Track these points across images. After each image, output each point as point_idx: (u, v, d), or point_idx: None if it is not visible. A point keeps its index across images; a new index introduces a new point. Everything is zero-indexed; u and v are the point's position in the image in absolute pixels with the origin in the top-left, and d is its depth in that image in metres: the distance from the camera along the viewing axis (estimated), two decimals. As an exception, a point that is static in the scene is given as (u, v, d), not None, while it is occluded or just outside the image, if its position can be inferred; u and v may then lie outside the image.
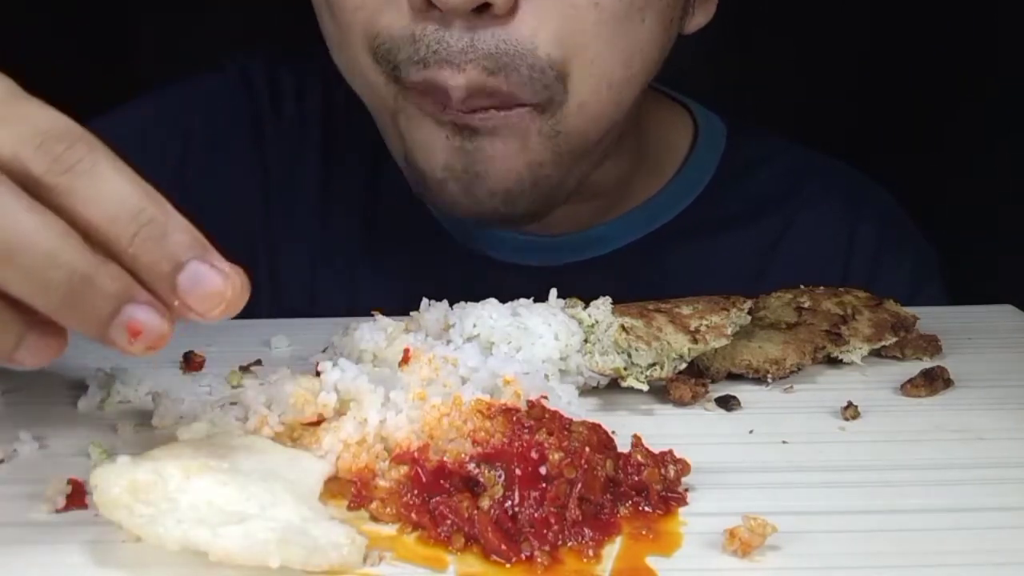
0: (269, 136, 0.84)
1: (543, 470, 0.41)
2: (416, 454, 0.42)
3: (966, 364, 0.58)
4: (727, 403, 0.54)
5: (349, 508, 0.42)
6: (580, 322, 0.55)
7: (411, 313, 0.58)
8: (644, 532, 0.40)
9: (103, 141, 0.38)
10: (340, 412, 0.46)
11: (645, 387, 0.52)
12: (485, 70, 0.56)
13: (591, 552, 0.39)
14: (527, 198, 0.64)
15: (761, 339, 0.58)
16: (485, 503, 0.39)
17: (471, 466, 0.41)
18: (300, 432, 0.46)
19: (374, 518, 0.41)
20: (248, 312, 0.39)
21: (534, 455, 0.41)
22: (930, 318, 0.65)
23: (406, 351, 0.51)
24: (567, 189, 0.66)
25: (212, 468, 0.38)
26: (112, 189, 0.36)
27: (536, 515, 0.39)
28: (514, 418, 0.43)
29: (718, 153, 0.84)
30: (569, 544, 0.39)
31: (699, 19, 0.70)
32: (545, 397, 0.47)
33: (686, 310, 0.56)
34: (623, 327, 0.53)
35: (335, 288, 0.81)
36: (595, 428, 0.44)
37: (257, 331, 0.65)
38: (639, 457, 0.43)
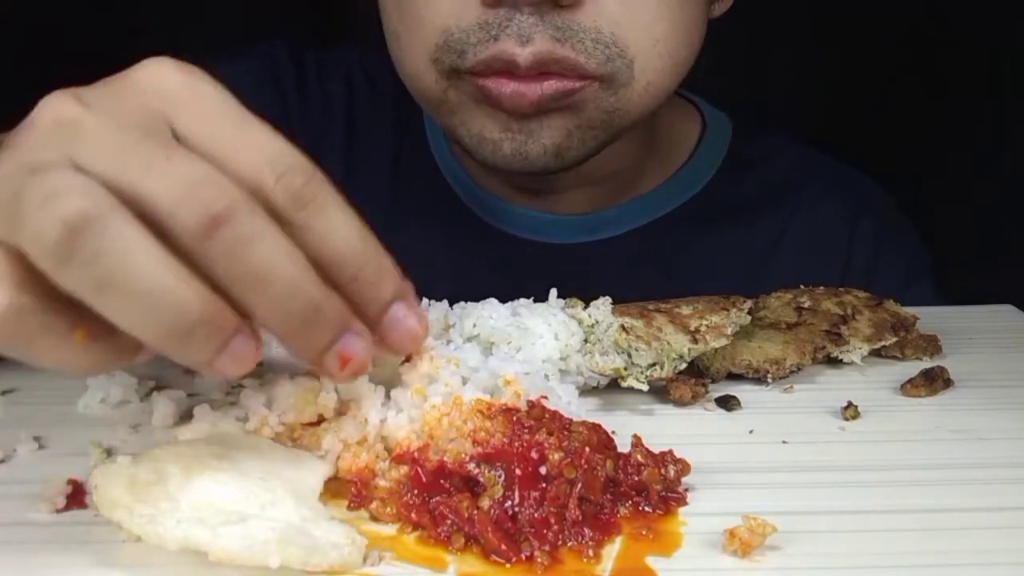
0: (295, 116, 0.85)
1: (543, 470, 0.41)
2: (416, 454, 0.42)
3: (966, 364, 0.58)
4: (727, 403, 0.54)
5: (349, 508, 0.42)
6: (580, 322, 0.55)
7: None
8: (644, 532, 0.40)
9: None
10: (340, 412, 0.46)
11: (645, 387, 0.52)
12: (552, 39, 0.60)
13: (591, 552, 0.39)
14: (575, 152, 0.67)
15: (761, 339, 0.58)
16: (485, 503, 0.39)
17: (471, 466, 0.41)
18: (300, 432, 0.46)
19: (374, 518, 0.41)
20: None
21: (534, 455, 0.41)
22: (930, 318, 0.65)
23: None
24: (606, 146, 0.70)
25: (212, 468, 0.38)
26: (340, 228, 0.38)
27: (536, 515, 0.39)
28: (514, 418, 0.43)
29: (724, 148, 0.86)
30: (569, 544, 0.39)
31: (725, 4, 0.73)
32: (545, 397, 0.47)
33: (686, 310, 0.56)
34: (623, 327, 0.53)
35: None
36: (595, 428, 0.44)
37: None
38: (639, 457, 0.43)
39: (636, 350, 0.53)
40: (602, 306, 0.55)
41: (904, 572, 0.37)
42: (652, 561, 0.38)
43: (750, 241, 0.84)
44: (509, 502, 0.40)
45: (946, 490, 0.44)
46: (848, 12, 1.46)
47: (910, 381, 0.55)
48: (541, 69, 0.61)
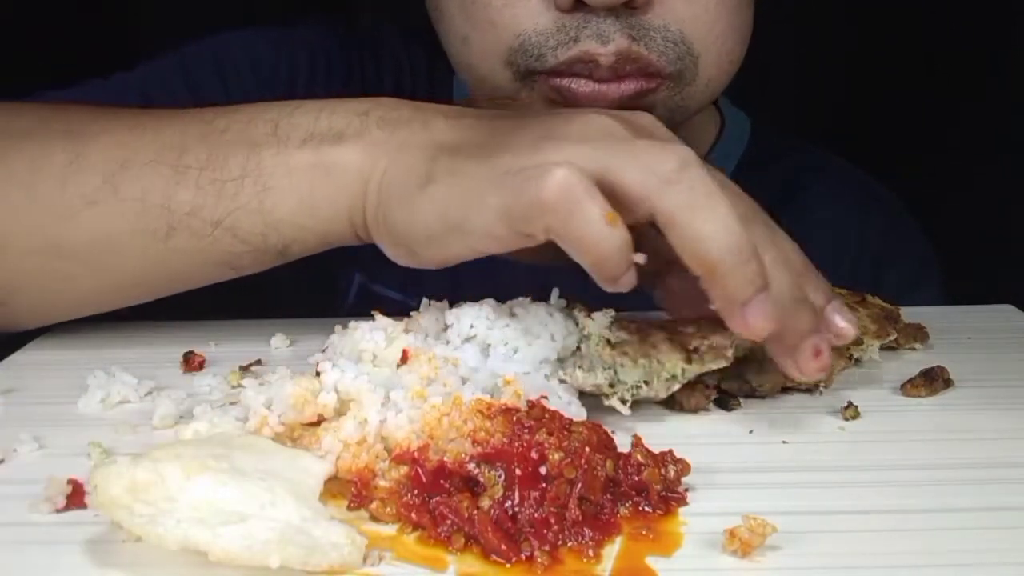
0: (358, 88, 0.85)
1: (543, 470, 0.41)
2: (416, 454, 0.42)
3: (966, 364, 0.58)
4: (727, 403, 0.54)
5: (349, 508, 0.42)
6: (583, 329, 0.54)
7: (411, 313, 0.58)
8: (644, 532, 0.40)
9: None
10: (340, 412, 0.46)
11: (626, 410, 0.50)
12: (630, 38, 0.61)
13: (591, 552, 0.39)
14: None
15: None
16: (485, 503, 0.39)
17: (471, 466, 0.41)
18: (300, 432, 0.46)
19: (374, 518, 0.41)
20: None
21: (534, 455, 0.41)
22: (930, 318, 0.65)
23: (404, 352, 0.51)
24: None
25: (212, 468, 0.38)
26: (722, 237, 0.46)
27: (536, 515, 0.39)
28: (514, 418, 0.43)
29: (741, 148, 0.86)
30: (569, 544, 0.39)
31: None
32: (545, 397, 0.47)
33: (690, 327, 0.55)
34: (609, 342, 0.52)
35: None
36: (595, 428, 0.44)
37: (257, 331, 0.65)
38: (639, 457, 0.43)
39: (621, 366, 0.51)
40: (600, 318, 0.54)
41: (904, 572, 0.37)
42: (652, 561, 0.38)
43: None
44: (509, 502, 0.40)
45: (946, 490, 0.44)
46: (849, 12, 1.46)
47: (910, 381, 0.55)
48: (619, 69, 0.62)
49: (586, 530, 0.39)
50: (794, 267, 0.51)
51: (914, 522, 0.41)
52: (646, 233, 0.49)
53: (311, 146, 0.56)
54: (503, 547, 0.38)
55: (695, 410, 0.53)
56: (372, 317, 0.56)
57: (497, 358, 0.51)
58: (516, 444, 0.42)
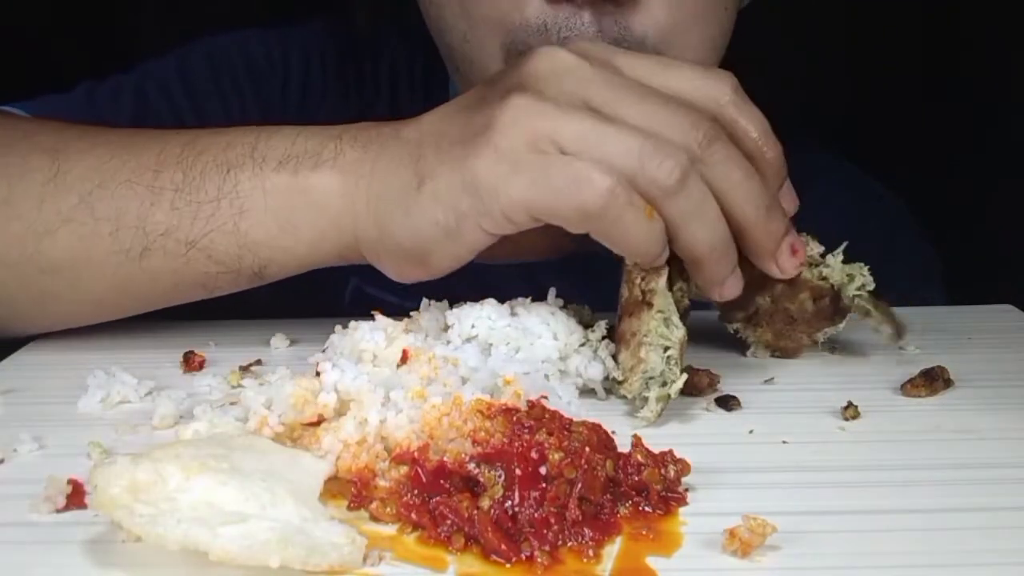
0: (353, 89, 0.86)
1: (543, 470, 0.41)
2: (416, 454, 0.42)
3: (966, 364, 0.58)
4: (727, 403, 0.54)
5: (349, 508, 0.42)
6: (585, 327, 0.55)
7: (411, 313, 0.58)
8: (644, 532, 0.40)
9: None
10: (340, 412, 0.46)
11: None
12: (614, 41, 0.61)
13: (591, 552, 0.39)
14: None
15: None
16: (485, 503, 0.39)
17: (471, 466, 0.41)
18: (300, 432, 0.46)
19: (374, 518, 0.41)
20: None
21: (534, 455, 0.41)
22: (930, 318, 0.65)
23: (404, 352, 0.51)
24: None
25: (212, 468, 0.38)
26: (756, 187, 0.54)
27: (536, 515, 0.39)
28: (514, 418, 0.43)
29: None
30: (569, 544, 0.39)
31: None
32: (545, 397, 0.47)
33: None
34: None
35: None
36: (595, 428, 0.44)
37: (257, 331, 0.65)
38: (639, 457, 0.43)
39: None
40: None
41: (904, 572, 0.37)
42: (652, 561, 0.38)
43: None
44: (509, 502, 0.40)
45: (946, 490, 0.44)
46: (851, 11, 1.46)
47: (910, 381, 0.55)
48: None
49: (586, 530, 0.39)
50: (764, 172, 0.55)
51: (914, 522, 0.41)
52: None
53: (288, 169, 0.57)
54: (503, 547, 0.38)
55: (698, 387, 0.54)
56: (372, 317, 0.56)
57: (498, 358, 0.51)
58: (516, 444, 0.42)
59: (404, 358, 0.50)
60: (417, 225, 0.54)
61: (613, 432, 0.45)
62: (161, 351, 0.61)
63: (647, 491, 0.42)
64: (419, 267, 0.56)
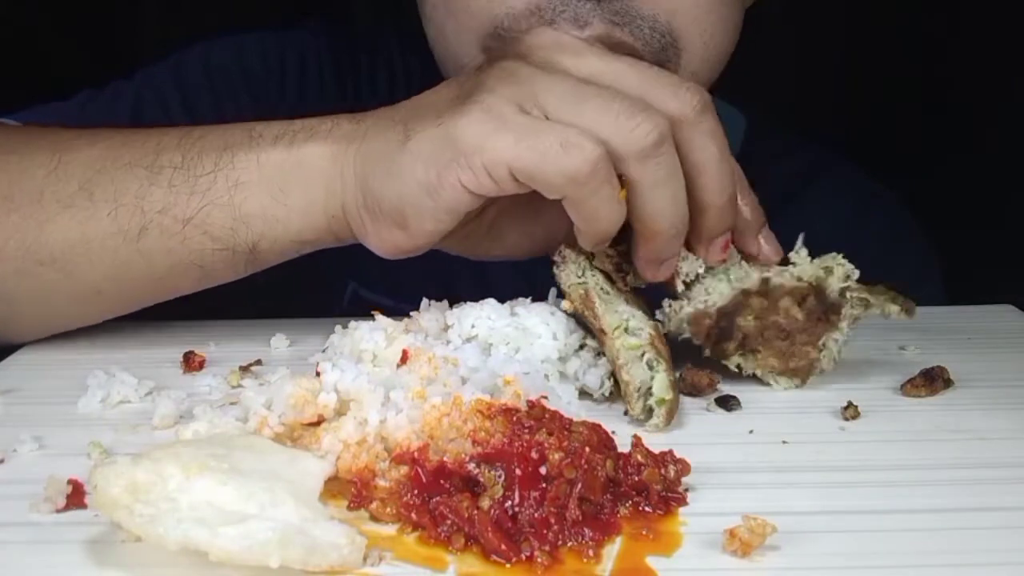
0: (350, 91, 0.86)
1: (543, 470, 0.41)
2: (416, 454, 0.42)
3: (966, 364, 0.58)
4: (727, 403, 0.54)
5: (349, 508, 0.42)
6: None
7: (411, 313, 0.58)
8: (644, 532, 0.40)
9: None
10: (340, 412, 0.46)
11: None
12: (611, 23, 0.60)
13: (591, 552, 0.39)
14: None
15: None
16: (485, 503, 0.39)
17: (471, 466, 0.41)
18: (300, 432, 0.46)
19: (374, 518, 0.41)
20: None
21: (534, 455, 0.41)
22: (930, 318, 0.65)
23: (404, 352, 0.51)
24: None
25: (212, 468, 0.38)
26: (726, 167, 0.55)
27: (536, 515, 0.39)
28: (514, 418, 0.43)
29: (736, 146, 0.85)
30: (569, 544, 0.39)
31: None
32: (545, 397, 0.47)
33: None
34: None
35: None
36: (595, 428, 0.44)
37: (257, 331, 0.65)
38: (639, 457, 0.43)
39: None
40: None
41: (904, 572, 0.37)
42: (652, 561, 0.38)
43: None
44: (509, 502, 0.40)
45: (946, 490, 0.44)
46: (851, 11, 1.46)
47: (910, 381, 0.55)
48: None
49: (586, 530, 0.39)
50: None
51: (914, 522, 0.41)
52: None
53: (283, 143, 0.57)
54: (503, 547, 0.38)
55: (697, 385, 0.54)
56: (372, 318, 0.56)
57: (498, 358, 0.51)
58: (516, 444, 0.42)
59: (404, 358, 0.50)
60: (399, 182, 0.54)
61: (613, 432, 0.45)
62: (161, 351, 0.61)
63: (647, 491, 0.42)
64: (400, 230, 0.55)
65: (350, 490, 0.42)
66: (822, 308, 0.56)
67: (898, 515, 0.42)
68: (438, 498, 0.40)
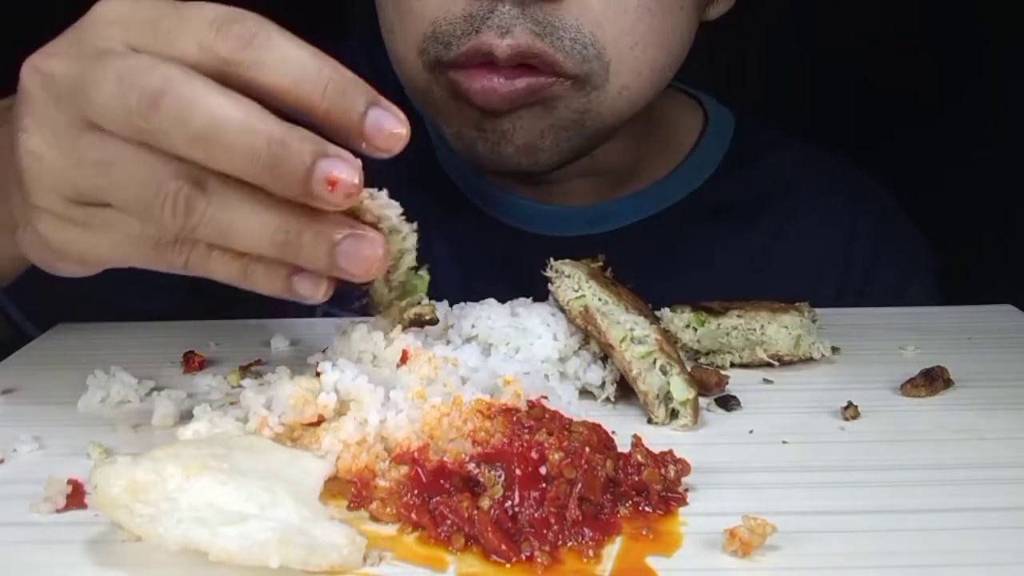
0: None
1: (543, 470, 0.41)
2: (416, 454, 0.42)
3: (966, 364, 0.58)
4: (727, 403, 0.54)
5: (349, 508, 0.42)
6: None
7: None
8: (644, 532, 0.40)
9: None
10: (340, 412, 0.46)
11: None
12: (533, 33, 0.60)
13: (591, 552, 0.39)
14: (548, 153, 0.67)
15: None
16: (485, 503, 0.39)
17: (471, 466, 0.41)
18: (300, 432, 0.46)
19: (374, 518, 0.41)
20: None
21: (534, 455, 0.41)
22: (931, 318, 0.65)
23: (404, 352, 0.51)
24: (586, 152, 0.70)
25: (212, 468, 0.38)
26: (292, 55, 0.40)
27: (536, 515, 0.39)
28: (514, 418, 0.43)
29: (726, 144, 0.85)
30: (569, 544, 0.39)
31: (721, 6, 0.73)
32: (545, 397, 0.47)
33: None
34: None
35: None
36: (595, 428, 0.44)
37: (257, 331, 0.65)
38: (639, 457, 0.43)
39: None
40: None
41: (904, 572, 0.37)
42: (652, 561, 0.38)
43: (749, 238, 0.83)
44: (509, 502, 0.40)
45: (946, 490, 0.44)
46: (852, 11, 1.46)
47: (910, 381, 0.55)
48: (519, 62, 0.62)
49: (586, 530, 0.39)
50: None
51: (914, 522, 0.41)
52: None
53: None
54: (503, 547, 0.38)
55: (706, 383, 0.54)
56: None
57: (498, 358, 0.51)
58: (516, 444, 0.42)
59: (404, 358, 0.50)
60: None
61: (613, 432, 0.45)
62: (161, 351, 0.61)
63: (647, 491, 0.42)
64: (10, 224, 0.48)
65: (350, 490, 0.42)
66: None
67: (898, 515, 0.42)
68: (438, 498, 0.40)
